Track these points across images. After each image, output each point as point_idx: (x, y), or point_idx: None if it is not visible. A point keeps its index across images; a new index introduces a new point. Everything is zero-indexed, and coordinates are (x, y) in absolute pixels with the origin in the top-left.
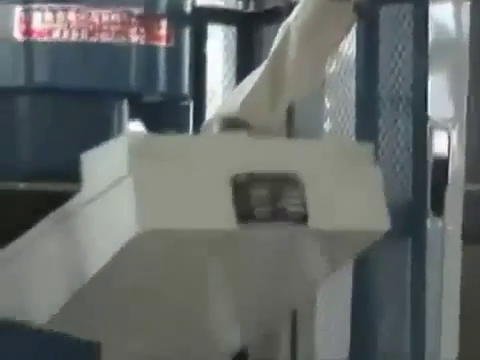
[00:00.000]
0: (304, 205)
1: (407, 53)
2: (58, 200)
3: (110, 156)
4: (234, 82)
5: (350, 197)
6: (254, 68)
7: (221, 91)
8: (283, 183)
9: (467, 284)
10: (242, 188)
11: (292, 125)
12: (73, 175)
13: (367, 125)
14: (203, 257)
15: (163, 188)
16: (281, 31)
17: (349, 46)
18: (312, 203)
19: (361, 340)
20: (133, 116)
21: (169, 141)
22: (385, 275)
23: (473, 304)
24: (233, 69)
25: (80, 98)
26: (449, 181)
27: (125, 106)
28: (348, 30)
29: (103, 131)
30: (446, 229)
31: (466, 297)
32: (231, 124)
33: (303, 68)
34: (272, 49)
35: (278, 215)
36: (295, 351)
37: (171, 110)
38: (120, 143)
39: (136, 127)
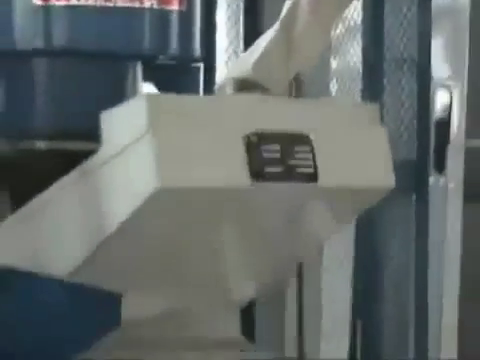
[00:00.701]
0: (314, 164)
1: (412, 15)
2: (78, 158)
3: (129, 115)
4: (241, 46)
5: (357, 155)
6: (260, 32)
7: (227, 55)
8: (294, 142)
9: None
10: (255, 147)
11: (300, 89)
12: (92, 134)
13: (373, 85)
14: (218, 212)
15: (181, 146)
16: None
17: (354, 9)
18: (321, 162)
19: (365, 291)
20: (146, 78)
21: (185, 101)
22: (390, 229)
23: (473, 255)
24: (239, 33)
25: (97, 60)
26: (450, 139)
27: (139, 68)
28: None
29: (119, 92)
30: (448, 186)
31: (466, 249)
32: (244, 85)
33: (314, 28)
34: (283, 10)
35: (289, 173)
36: (301, 300)
37: (183, 72)
38: (139, 102)
39: (149, 89)
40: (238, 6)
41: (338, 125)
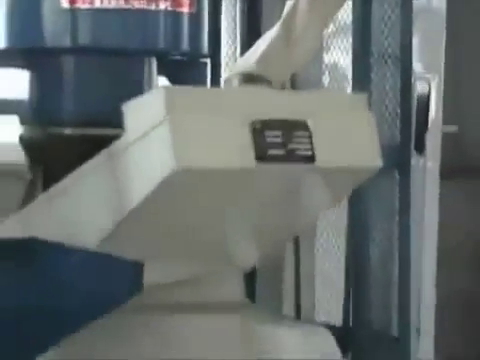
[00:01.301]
0: (312, 147)
1: (395, 16)
2: (102, 143)
3: (149, 105)
4: (240, 44)
5: (349, 139)
6: (258, 33)
7: (230, 53)
8: (294, 128)
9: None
10: (259, 133)
11: (294, 81)
12: (114, 122)
13: (361, 78)
14: (226, 190)
15: (194, 132)
16: None
17: (345, 10)
18: (318, 145)
19: (355, 259)
20: (160, 72)
21: (198, 92)
22: (377, 203)
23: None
24: (239, 32)
25: (117, 56)
26: (429, 125)
27: (154, 63)
28: None
29: (136, 84)
30: (427, 165)
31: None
32: (249, 79)
33: (311, 29)
34: (284, 12)
35: (290, 156)
36: (298, 266)
37: (192, 67)
38: (157, 93)
39: (162, 82)
40: (237, 9)
41: (332, 113)
